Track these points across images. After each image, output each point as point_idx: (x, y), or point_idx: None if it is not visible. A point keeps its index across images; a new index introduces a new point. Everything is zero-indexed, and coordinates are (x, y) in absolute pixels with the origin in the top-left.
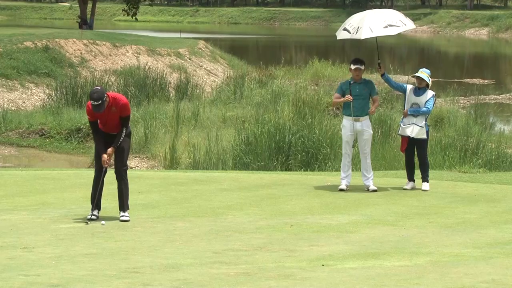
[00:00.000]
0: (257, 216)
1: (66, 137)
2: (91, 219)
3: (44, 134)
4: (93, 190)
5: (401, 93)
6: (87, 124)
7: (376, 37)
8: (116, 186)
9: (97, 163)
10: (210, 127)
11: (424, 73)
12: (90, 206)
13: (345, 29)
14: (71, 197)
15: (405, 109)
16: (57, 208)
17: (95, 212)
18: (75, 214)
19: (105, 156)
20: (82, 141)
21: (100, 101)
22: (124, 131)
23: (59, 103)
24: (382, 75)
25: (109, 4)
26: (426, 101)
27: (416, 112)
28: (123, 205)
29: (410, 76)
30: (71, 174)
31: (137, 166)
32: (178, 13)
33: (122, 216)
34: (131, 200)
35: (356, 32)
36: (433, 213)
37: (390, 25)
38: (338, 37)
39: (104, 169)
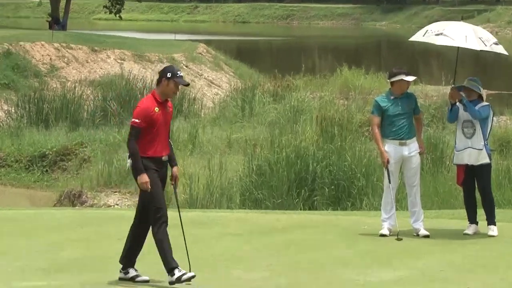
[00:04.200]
0: (274, 271)
1: (27, 166)
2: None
3: None
4: (131, 241)
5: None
6: (54, 150)
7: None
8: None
9: (154, 202)
10: (211, 153)
11: (472, 83)
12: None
13: (441, 34)
14: (30, 244)
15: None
16: (10, 260)
17: (133, 272)
18: (35, 268)
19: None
20: (47, 171)
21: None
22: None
23: (19, 123)
24: (460, 101)
25: (87, 0)
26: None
27: (471, 112)
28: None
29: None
30: (31, 215)
31: (117, 204)
32: (172, 10)
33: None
34: (106, 248)
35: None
36: (505, 266)
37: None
38: (437, 43)
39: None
